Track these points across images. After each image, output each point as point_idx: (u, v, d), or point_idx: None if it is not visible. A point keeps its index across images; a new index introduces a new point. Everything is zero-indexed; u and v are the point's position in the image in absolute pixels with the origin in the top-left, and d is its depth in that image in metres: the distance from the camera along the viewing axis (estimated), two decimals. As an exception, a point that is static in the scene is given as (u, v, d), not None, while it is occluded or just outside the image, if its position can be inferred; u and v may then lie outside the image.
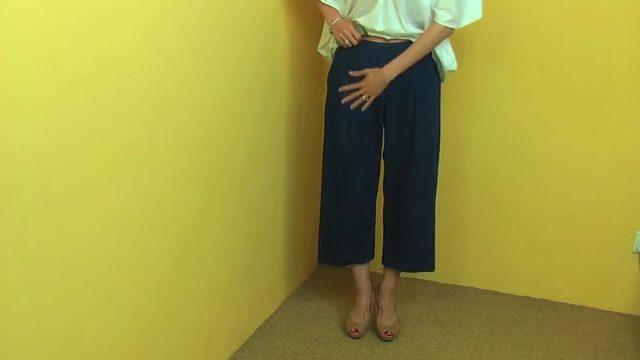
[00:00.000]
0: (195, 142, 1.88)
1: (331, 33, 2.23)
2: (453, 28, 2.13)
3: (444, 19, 2.10)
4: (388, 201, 2.38)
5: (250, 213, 2.27)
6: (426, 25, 2.14)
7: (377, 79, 2.15)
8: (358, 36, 2.17)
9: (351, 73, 2.19)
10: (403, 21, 2.12)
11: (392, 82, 2.17)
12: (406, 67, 2.15)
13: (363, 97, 2.18)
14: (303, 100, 2.57)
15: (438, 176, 2.36)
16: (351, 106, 2.19)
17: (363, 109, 2.20)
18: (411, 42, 2.16)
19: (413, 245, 2.37)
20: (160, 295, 1.80)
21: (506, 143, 2.64)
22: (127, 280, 1.65)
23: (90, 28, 1.41)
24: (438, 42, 2.15)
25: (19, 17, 1.23)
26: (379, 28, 2.13)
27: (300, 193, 2.65)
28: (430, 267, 2.43)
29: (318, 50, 2.36)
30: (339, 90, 2.21)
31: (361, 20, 2.15)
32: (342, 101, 2.20)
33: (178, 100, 1.77)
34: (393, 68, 2.15)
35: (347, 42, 2.18)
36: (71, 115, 1.39)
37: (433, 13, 2.11)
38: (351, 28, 2.16)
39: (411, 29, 2.14)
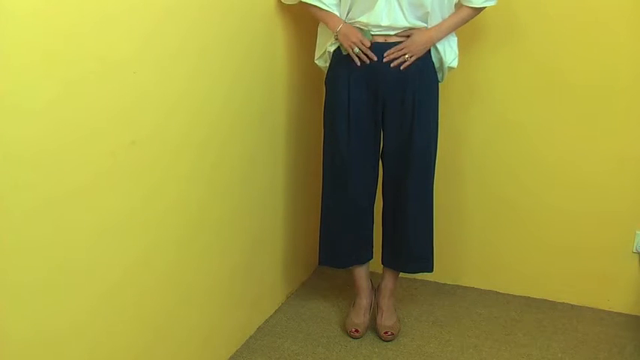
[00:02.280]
0: (195, 142, 1.88)
1: (336, 39, 2.19)
2: (478, 9, 2.18)
3: (479, 1, 2.15)
4: (387, 201, 2.38)
5: (250, 213, 2.27)
6: (430, 18, 2.15)
7: (423, 38, 2.15)
8: (368, 44, 2.15)
9: (396, 34, 2.15)
10: (406, 14, 2.13)
11: (390, 82, 2.18)
12: (448, 34, 2.19)
13: (406, 56, 2.16)
14: (302, 100, 2.57)
15: (437, 176, 2.36)
16: (392, 65, 2.16)
17: (402, 68, 2.17)
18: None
19: (411, 246, 2.37)
20: (160, 295, 1.80)
21: (506, 143, 2.64)
22: (127, 280, 1.65)
23: (90, 29, 1.41)
24: (466, 22, 2.21)
25: (19, 17, 1.23)
26: (385, 22, 2.13)
27: (299, 194, 2.65)
28: (429, 268, 2.43)
29: (316, 62, 2.34)
30: (385, 55, 2.17)
31: (364, 18, 2.14)
32: (385, 60, 2.16)
33: (179, 101, 1.78)
34: (440, 30, 2.16)
35: (356, 50, 2.15)
36: (71, 116, 1.39)
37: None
38: (359, 35, 2.14)
39: (415, 22, 2.15)
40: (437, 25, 2.17)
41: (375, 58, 2.16)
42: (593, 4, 2.40)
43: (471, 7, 2.17)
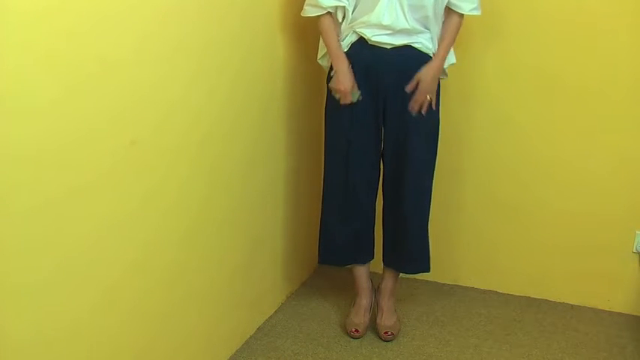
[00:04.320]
0: (195, 142, 1.88)
1: (331, 76, 2.22)
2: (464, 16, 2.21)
3: (468, 7, 2.18)
4: (386, 201, 2.38)
5: (250, 213, 2.27)
6: (430, 20, 2.16)
7: (429, 74, 2.17)
8: (348, 100, 2.18)
9: (406, 89, 2.18)
10: (407, 16, 2.13)
11: (390, 83, 2.18)
12: (448, 52, 2.22)
13: (428, 97, 2.20)
14: (303, 99, 2.57)
15: (437, 176, 2.36)
16: (423, 111, 2.20)
17: (434, 107, 2.22)
18: (411, 46, 2.17)
19: (407, 246, 2.37)
20: (160, 295, 1.80)
21: (507, 143, 2.64)
22: (127, 280, 1.65)
23: (91, 29, 1.41)
24: (457, 32, 2.23)
25: (19, 18, 1.23)
26: (385, 22, 2.13)
27: (299, 194, 2.65)
28: (426, 268, 2.43)
29: (318, 61, 2.34)
30: (410, 109, 2.20)
31: (365, 18, 2.14)
32: (413, 114, 2.20)
33: (179, 101, 1.78)
34: (440, 57, 2.19)
35: (338, 97, 2.20)
36: (72, 116, 1.39)
37: (451, 5, 2.17)
38: (349, 89, 2.16)
39: (415, 24, 2.15)
40: (435, 54, 2.19)
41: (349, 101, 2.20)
42: (592, 6, 2.40)
43: (460, 14, 2.19)
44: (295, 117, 2.52)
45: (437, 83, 2.23)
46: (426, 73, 2.18)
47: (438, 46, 2.21)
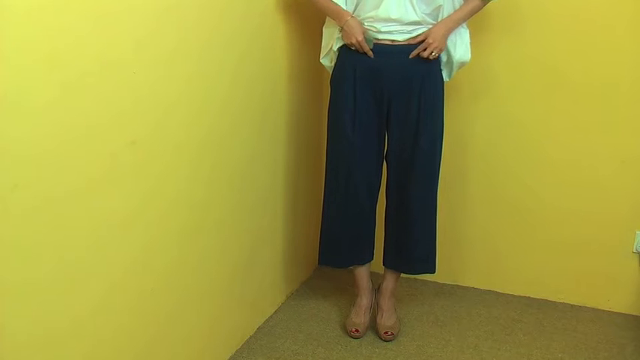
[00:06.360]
0: (195, 142, 1.88)
1: (340, 32, 2.20)
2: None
3: None
4: (390, 203, 2.38)
5: (250, 213, 2.27)
6: (441, 12, 2.16)
7: (440, 31, 2.14)
8: (367, 49, 2.15)
9: (408, 39, 2.15)
10: (416, 8, 2.13)
11: (395, 83, 2.18)
12: (459, 25, 2.20)
13: (433, 53, 2.15)
14: (303, 99, 2.57)
15: (440, 175, 2.36)
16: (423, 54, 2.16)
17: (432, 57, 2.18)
18: (414, 45, 2.16)
19: (415, 248, 2.37)
20: (160, 295, 1.80)
21: (508, 143, 2.64)
22: (127, 280, 1.65)
23: (90, 29, 1.41)
24: (474, 14, 2.22)
25: (19, 17, 1.23)
26: (394, 15, 2.12)
27: (299, 193, 2.65)
28: (432, 269, 2.43)
29: (321, 61, 2.34)
30: (410, 56, 2.16)
31: (372, 13, 2.14)
32: (410, 56, 2.16)
33: (178, 101, 1.78)
34: (451, 21, 2.17)
35: (354, 49, 2.17)
36: (71, 115, 1.39)
37: None
38: (361, 37, 2.13)
39: (425, 17, 2.15)
40: (447, 17, 2.17)
41: (371, 55, 2.16)
42: (596, 7, 2.40)
43: (479, 2, 2.18)
44: (296, 116, 2.52)
45: (444, 41, 2.16)
46: (436, 30, 2.14)
47: (453, 12, 2.18)
